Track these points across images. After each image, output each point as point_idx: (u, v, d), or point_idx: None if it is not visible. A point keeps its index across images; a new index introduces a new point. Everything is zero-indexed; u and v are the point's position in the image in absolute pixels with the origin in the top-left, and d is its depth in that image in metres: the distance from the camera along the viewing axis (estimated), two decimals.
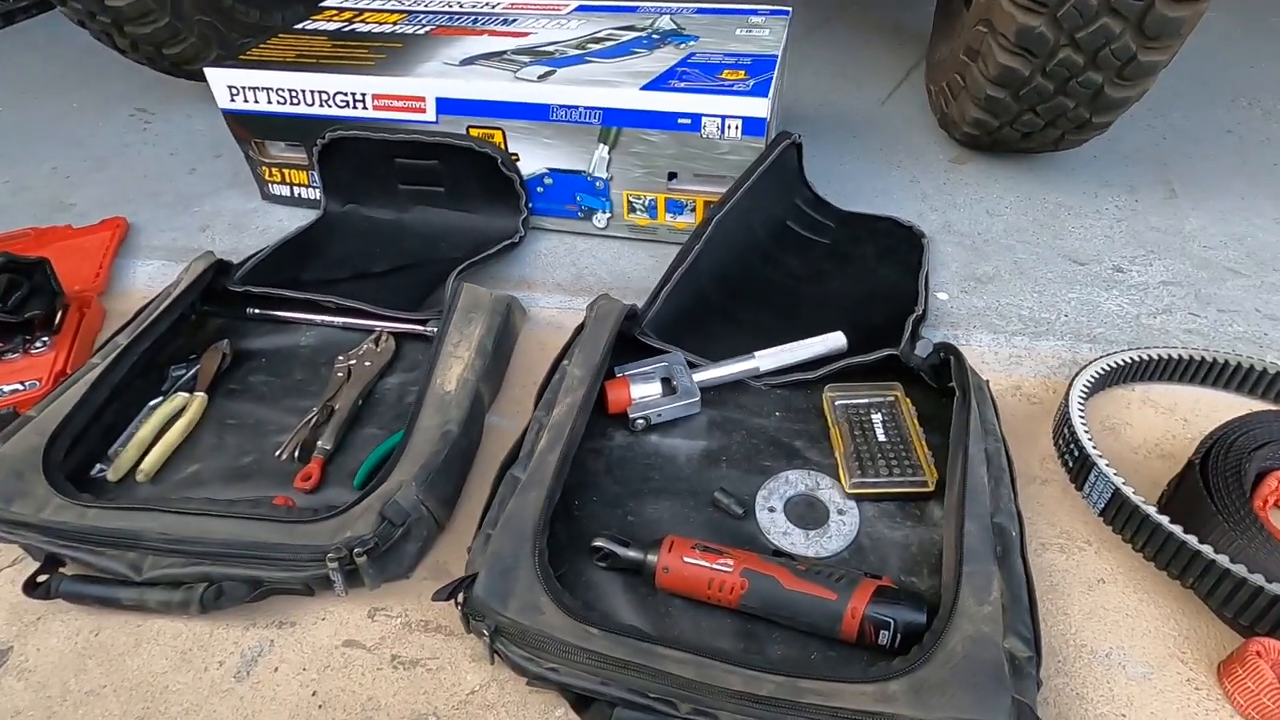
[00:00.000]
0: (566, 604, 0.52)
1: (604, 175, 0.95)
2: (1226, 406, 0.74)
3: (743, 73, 0.91)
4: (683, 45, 1.00)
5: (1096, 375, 0.73)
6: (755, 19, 1.09)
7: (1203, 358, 0.75)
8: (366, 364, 0.79)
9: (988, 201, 1.06)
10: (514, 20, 1.11)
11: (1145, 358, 0.75)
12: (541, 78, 0.92)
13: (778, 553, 0.60)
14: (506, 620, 0.52)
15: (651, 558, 0.57)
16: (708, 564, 0.56)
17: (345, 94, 0.97)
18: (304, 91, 0.98)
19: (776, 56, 0.96)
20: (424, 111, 0.95)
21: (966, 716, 0.46)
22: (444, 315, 0.77)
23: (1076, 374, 0.72)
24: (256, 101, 1.00)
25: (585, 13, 1.13)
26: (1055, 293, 0.89)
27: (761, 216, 0.93)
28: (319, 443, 0.70)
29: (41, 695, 0.56)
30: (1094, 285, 0.90)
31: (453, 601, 0.54)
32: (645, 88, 0.88)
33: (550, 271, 0.95)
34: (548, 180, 0.97)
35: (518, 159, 0.96)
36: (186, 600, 0.58)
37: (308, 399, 0.76)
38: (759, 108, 0.85)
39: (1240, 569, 0.53)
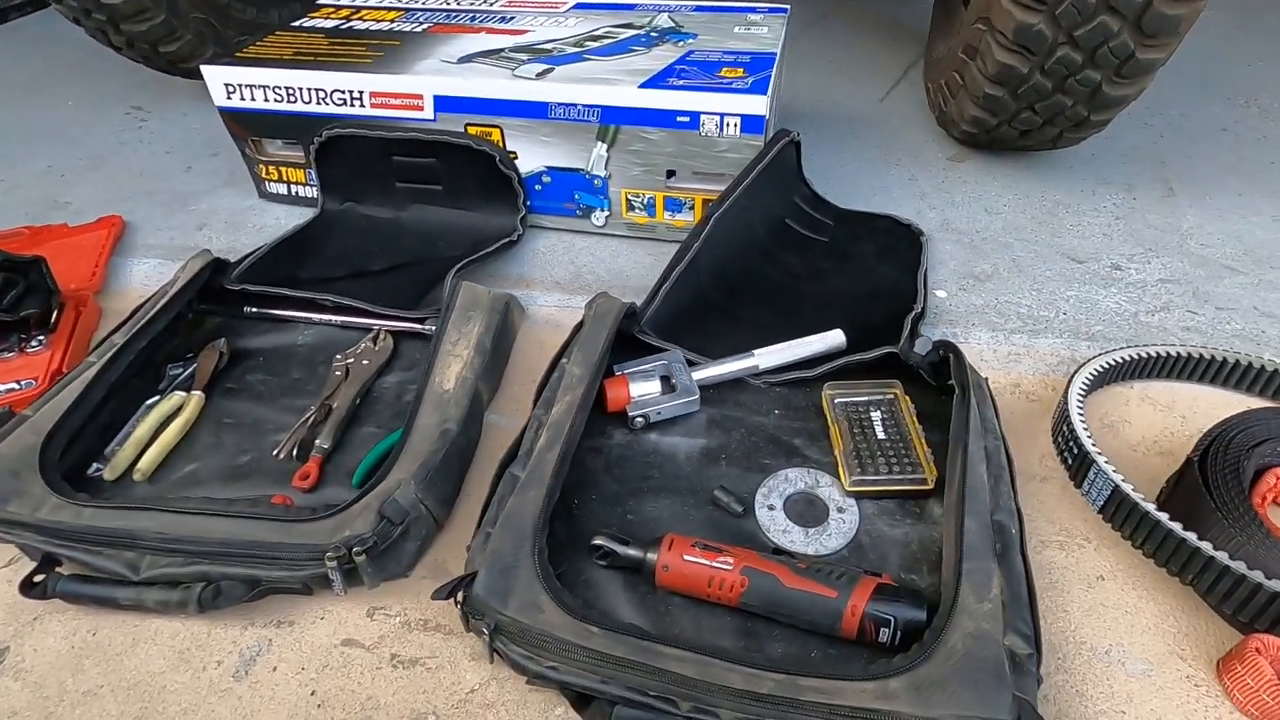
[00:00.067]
0: (566, 602, 0.52)
1: (602, 173, 0.94)
2: (1225, 404, 0.74)
3: (741, 70, 0.91)
4: (681, 43, 1.00)
5: (1095, 373, 0.73)
6: (753, 16, 1.09)
7: (1200, 355, 0.75)
8: (364, 363, 0.78)
9: (986, 199, 1.06)
10: (512, 18, 1.11)
11: (1144, 355, 0.75)
12: (540, 75, 0.92)
13: (777, 551, 0.60)
14: (506, 619, 0.51)
15: (651, 556, 0.57)
16: (708, 562, 0.55)
17: (342, 92, 0.96)
18: (301, 89, 0.97)
19: (775, 54, 0.96)
20: (422, 109, 0.95)
21: (967, 714, 0.46)
22: (442, 313, 0.77)
23: (1075, 371, 0.72)
24: (253, 99, 1.00)
25: (583, 10, 1.13)
26: (1054, 290, 0.89)
27: (760, 214, 0.93)
28: (317, 441, 0.70)
29: (39, 695, 0.56)
30: (1092, 283, 0.90)
31: (452, 600, 0.54)
32: (644, 85, 0.88)
33: (548, 270, 0.95)
34: (546, 178, 0.97)
35: (516, 157, 0.96)
36: (184, 600, 0.57)
37: (305, 398, 0.76)
38: (757, 105, 0.85)
39: (1239, 565, 0.53)
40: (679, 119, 0.87)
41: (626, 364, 0.74)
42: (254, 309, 0.86)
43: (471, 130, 0.95)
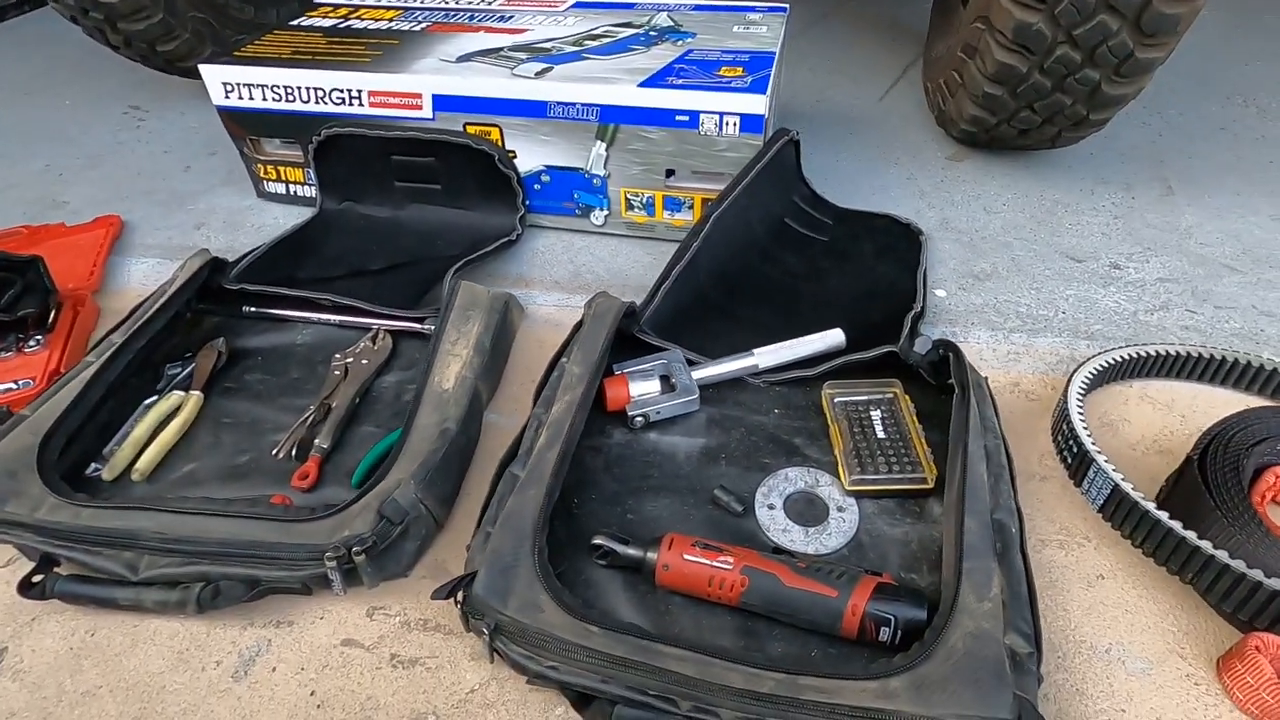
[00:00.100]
0: (566, 602, 0.52)
1: (601, 172, 0.94)
2: (1224, 402, 0.74)
3: (740, 69, 0.91)
4: (680, 42, 1.00)
5: (1095, 372, 0.73)
6: (753, 15, 1.09)
7: (1200, 354, 0.75)
8: (364, 362, 0.78)
9: (985, 199, 1.06)
10: (510, 17, 1.11)
11: (1143, 354, 0.75)
12: (539, 74, 0.92)
13: (778, 550, 0.60)
14: (506, 618, 0.51)
15: (651, 555, 0.57)
16: (708, 561, 0.55)
17: (341, 91, 0.96)
18: (299, 88, 0.97)
19: (774, 53, 0.96)
20: (420, 108, 0.95)
21: (968, 713, 0.46)
22: (442, 313, 0.77)
23: (1075, 371, 0.72)
24: (252, 98, 0.99)
25: (582, 9, 1.13)
26: (1053, 289, 0.89)
27: (759, 214, 0.93)
28: (316, 441, 0.70)
29: (37, 696, 0.55)
30: (1091, 282, 0.90)
31: (452, 600, 0.54)
32: (643, 85, 0.88)
33: (548, 269, 0.95)
34: (545, 177, 0.97)
35: (515, 156, 0.96)
36: (183, 600, 0.57)
37: (304, 397, 0.75)
38: (757, 104, 0.85)
39: (1239, 564, 0.53)
40: (678, 118, 0.87)
41: (626, 363, 0.74)
42: (252, 308, 0.86)
43: (470, 129, 0.95)
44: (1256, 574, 0.52)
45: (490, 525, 0.57)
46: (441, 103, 0.94)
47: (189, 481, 0.68)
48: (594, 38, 1.02)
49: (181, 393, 0.75)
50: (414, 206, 1.02)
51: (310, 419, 0.72)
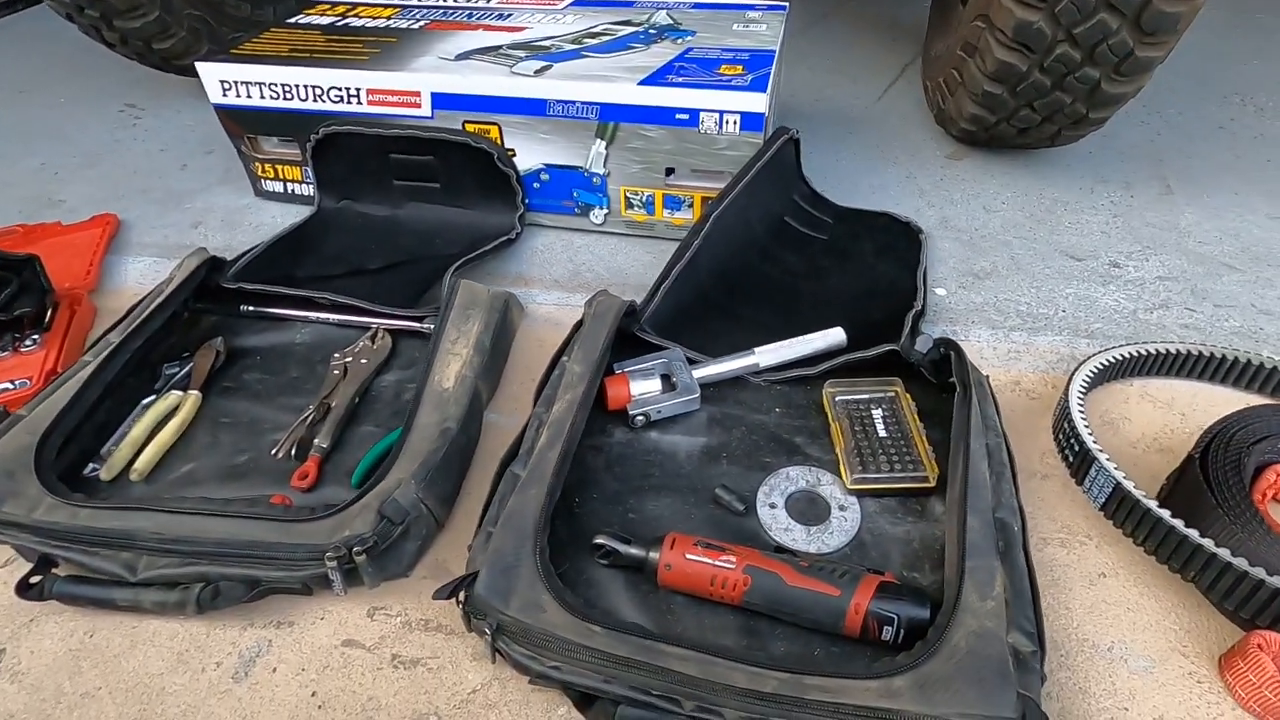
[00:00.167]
0: (568, 602, 0.52)
1: (601, 171, 0.94)
2: (1224, 401, 0.75)
3: (740, 68, 0.91)
4: (680, 40, 1.00)
5: (1095, 370, 0.73)
6: (752, 14, 1.08)
7: (1200, 352, 0.75)
8: (363, 361, 0.78)
9: (984, 197, 1.06)
10: (509, 15, 1.10)
11: (1143, 353, 0.75)
12: (538, 72, 0.91)
13: (779, 549, 0.60)
14: (508, 619, 0.51)
15: (654, 555, 0.57)
16: (710, 561, 0.55)
17: (339, 89, 0.96)
18: (297, 86, 0.97)
19: (774, 51, 0.95)
20: (419, 107, 0.95)
21: (972, 712, 0.45)
22: (441, 312, 0.76)
23: (1075, 369, 0.72)
24: (249, 97, 0.99)
25: (580, 7, 1.13)
26: (1052, 288, 0.89)
27: (759, 213, 0.92)
28: (315, 441, 0.69)
29: (35, 698, 0.55)
30: (1091, 280, 0.90)
31: (454, 600, 0.53)
32: (643, 83, 0.88)
33: (547, 268, 0.95)
34: (544, 176, 0.97)
35: (514, 154, 0.95)
36: (183, 600, 0.57)
37: (303, 397, 0.75)
38: (757, 103, 0.85)
39: (1241, 562, 0.53)
40: (678, 116, 0.87)
41: (626, 362, 0.74)
42: (251, 308, 0.85)
43: (469, 128, 0.94)
44: (1258, 572, 0.52)
45: (491, 525, 0.57)
46: (440, 101, 0.93)
47: (187, 481, 0.68)
48: (593, 36, 1.02)
49: (180, 392, 0.74)
50: (413, 205, 1.02)
51: (309, 418, 0.72)
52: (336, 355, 0.78)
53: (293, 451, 0.69)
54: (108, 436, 0.71)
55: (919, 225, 0.96)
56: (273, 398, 0.76)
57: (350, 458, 0.69)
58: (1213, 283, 0.90)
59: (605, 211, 0.98)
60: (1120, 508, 0.60)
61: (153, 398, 0.74)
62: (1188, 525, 0.56)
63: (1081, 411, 0.67)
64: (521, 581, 0.53)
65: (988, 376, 0.70)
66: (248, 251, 0.89)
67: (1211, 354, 0.75)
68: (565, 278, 0.93)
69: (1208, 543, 0.54)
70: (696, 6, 1.12)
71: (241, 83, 0.98)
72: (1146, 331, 0.82)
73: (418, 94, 0.94)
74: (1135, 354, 0.75)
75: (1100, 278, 0.91)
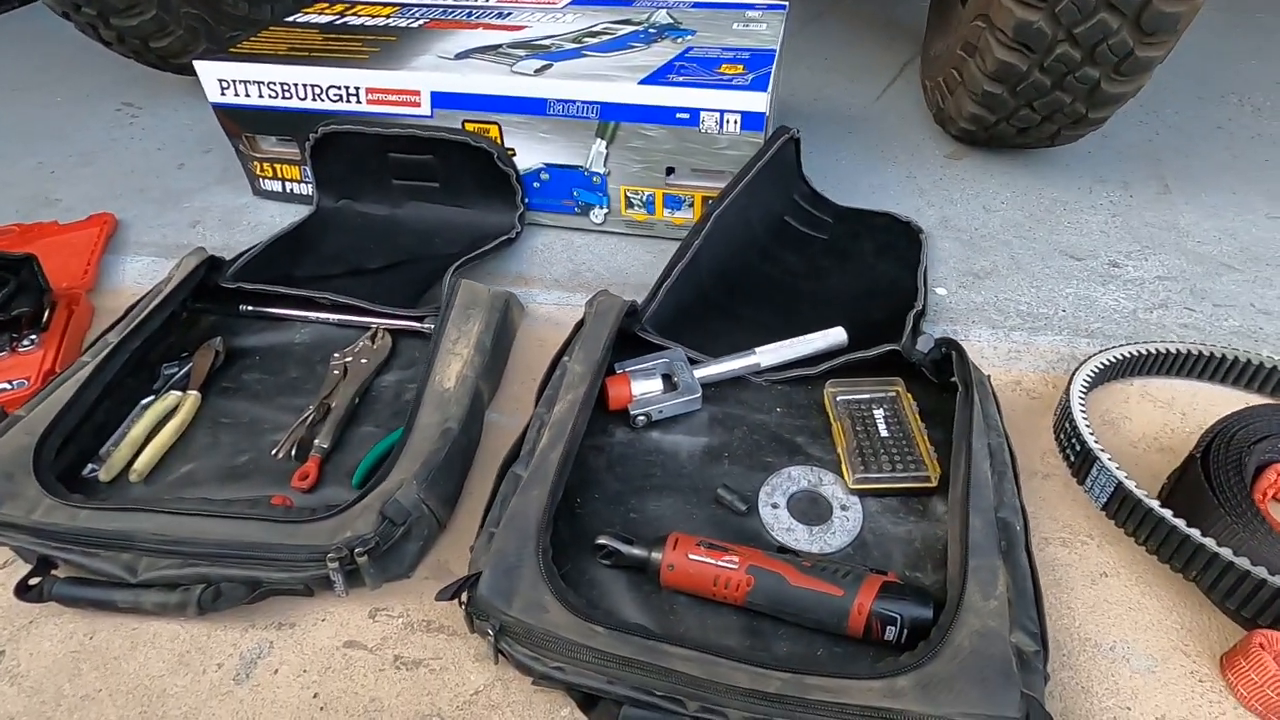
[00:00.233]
0: (571, 602, 0.51)
1: (601, 170, 0.94)
2: (1223, 400, 0.75)
3: (741, 67, 0.90)
4: (680, 39, 1.00)
5: (1096, 370, 0.73)
6: (752, 13, 1.08)
7: (1199, 352, 0.76)
8: (363, 361, 0.78)
9: (984, 197, 1.06)
10: (508, 14, 1.10)
11: (1143, 352, 0.76)
12: (538, 72, 0.91)
13: (782, 549, 0.60)
14: (511, 619, 0.51)
15: (656, 555, 0.56)
16: (713, 561, 0.55)
17: (338, 88, 0.95)
18: (296, 85, 0.96)
19: (774, 50, 0.95)
20: (419, 106, 0.94)
21: (976, 711, 0.45)
22: (442, 311, 0.76)
23: (1076, 369, 0.72)
24: (248, 95, 0.99)
25: (579, 6, 1.12)
26: (1052, 288, 0.89)
27: (760, 212, 0.92)
28: (316, 441, 0.69)
29: (35, 700, 0.55)
30: (1090, 280, 0.90)
31: (457, 601, 0.53)
32: (643, 82, 0.88)
33: (547, 267, 0.94)
34: (544, 175, 0.96)
35: (514, 154, 0.95)
36: (183, 602, 0.56)
37: (303, 397, 0.75)
38: (758, 102, 0.85)
39: (1243, 561, 0.53)
40: (679, 115, 0.87)
41: (628, 362, 0.74)
42: (250, 307, 0.85)
43: (469, 127, 0.94)
44: (1260, 571, 0.52)
45: (494, 526, 0.57)
46: (440, 100, 0.93)
47: (187, 482, 0.67)
48: (593, 35, 1.02)
49: (179, 393, 0.74)
50: (412, 204, 1.02)
51: (309, 419, 0.71)
52: (336, 355, 0.78)
53: (293, 452, 0.69)
54: (106, 437, 0.70)
55: (919, 225, 0.96)
56: (272, 398, 0.75)
57: (351, 458, 0.69)
58: (1212, 282, 0.90)
59: (605, 211, 0.98)
60: (1122, 507, 0.60)
61: (152, 398, 0.74)
62: (1189, 525, 0.56)
63: (1083, 411, 0.67)
64: (524, 582, 0.52)
65: (989, 376, 0.70)
66: (246, 251, 0.89)
67: (1211, 354, 0.75)
68: (565, 277, 0.93)
69: (1209, 542, 0.54)
70: (696, 5, 1.11)
71: (240, 81, 0.98)
72: (1146, 331, 0.83)
73: (417, 93, 0.94)
74: (1135, 354, 0.75)
75: (1100, 277, 0.91)
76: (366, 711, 0.53)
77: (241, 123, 1.02)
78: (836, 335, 0.76)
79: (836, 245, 0.95)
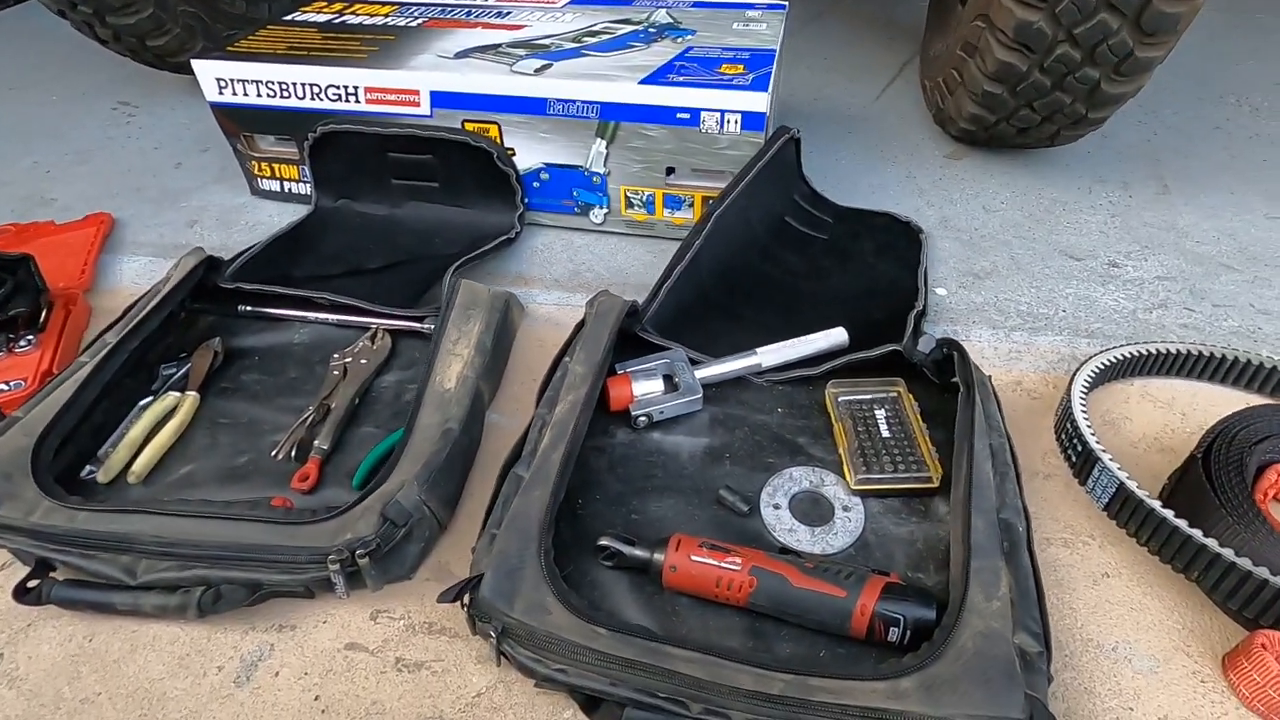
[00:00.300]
0: (573, 604, 0.51)
1: (601, 170, 0.94)
2: (1224, 400, 0.75)
3: (741, 67, 0.90)
4: (680, 39, 1.00)
5: (1096, 370, 0.73)
6: (752, 13, 1.08)
7: (1200, 352, 0.76)
8: (363, 362, 0.77)
9: (984, 197, 1.06)
10: (508, 13, 1.10)
11: (1144, 353, 0.76)
12: (538, 71, 0.91)
13: (784, 550, 0.60)
14: (513, 621, 0.51)
15: (659, 556, 0.56)
16: (716, 562, 0.55)
17: (337, 87, 0.95)
18: (295, 84, 0.96)
19: (775, 50, 0.95)
20: (418, 105, 0.94)
21: (979, 713, 0.45)
22: (442, 312, 0.76)
23: (1077, 369, 0.72)
24: (246, 94, 0.98)
25: (579, 6, 1.12)
26: (1052, 288, 0.89)
27: (760, 213, 0.92)
28: (316, 442, 0.69)
29: (34, 703, 0.54)
30: (1090, 280, 0.90)
31: (458, 603, 0.53)
32: (644, 82, 0.87)
33: (547, 268, 0.94)
34: (544, 175, 0.96)
35: (514, 153, 0.95)
36: (183, 604, 0.56)
37: (303, 397, 0.74)
38: (758, 102, 0.84)
39: (1245, 562, 0.53)
40: (679, 115, 0.87)
41: (629, 362, 0.73)
42: (249, 308, 0.85)
43: (469, 126, 0.94)
44: (1262, 571, 0.52)
45: (495, 527, 0.56)
46: (439, 99, 0.93)
47: (186, 483, 0.67)
48: (593, 34, 1.02)
49: (177, 393, 0.74)
50: (411, 204, 1.01)
51: (309, 419, 0.71)
52: (336, 356, 0.78)
53: (293, 453, 0.69)
54: (105, 438, 0.70)
55: (919, 225, 0.96)
56: (272, 399, 0.75)
57: (351, 459, 0.69)
58: (1211, 282, 0.90)
59: (605, 211, 0.98)
60: (1124, 508, 0.60)
61: (150, 399, 0.73)
62: (1191, 525, 0.56)
63: (1084, 412, 0.67)
64: (526, 584, 0.52)
65: (990, 376, 0.70)
66: (245, 251, 0.89)
67: (1211, 354, 0.76)
68: (565, 277, 0.92)
69: (1211, 542, 0.54)
70: (696, 5, 1.11)
71: (238, 80, 0.97)
72: (1146, 331, 0.83)
73: (416, 92, 0.93)
74: (1136, 354, 0.75)
75: (1099, 277, 0.91)
76: (368, 714, 0.53)
77: (239, 122, 1.02)
78: (837, 335, 0.76)
79: (837, 245, 0.95)
